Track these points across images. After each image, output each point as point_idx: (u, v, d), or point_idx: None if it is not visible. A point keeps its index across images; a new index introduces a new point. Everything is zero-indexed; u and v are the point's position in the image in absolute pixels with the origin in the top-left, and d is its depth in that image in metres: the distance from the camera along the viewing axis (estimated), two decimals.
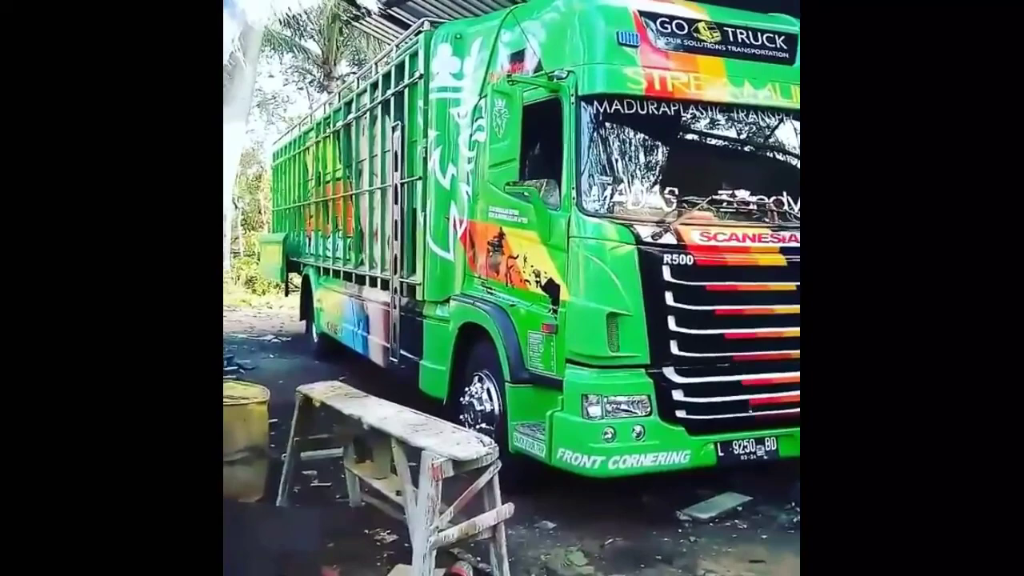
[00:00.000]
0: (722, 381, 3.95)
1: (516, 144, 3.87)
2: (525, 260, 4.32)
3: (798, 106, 3.87)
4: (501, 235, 4.60)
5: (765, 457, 4.11)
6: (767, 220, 4.14)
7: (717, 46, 4.12)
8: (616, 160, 3.99)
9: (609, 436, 3.79)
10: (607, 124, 3.97)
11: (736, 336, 3.95)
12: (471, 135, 5.06)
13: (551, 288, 4.09)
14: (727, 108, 4.12)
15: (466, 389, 4.81)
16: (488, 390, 4.63)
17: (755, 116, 4.19)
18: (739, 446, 4.05)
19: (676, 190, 3.99)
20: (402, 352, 5.99)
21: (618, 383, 3.83)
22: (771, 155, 4.40)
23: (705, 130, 4.17)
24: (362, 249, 7.29)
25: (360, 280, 7.26)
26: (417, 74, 5.53)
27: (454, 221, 5.24)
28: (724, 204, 4.07)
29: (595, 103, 3.94)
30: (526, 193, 4.12)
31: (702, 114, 4.10)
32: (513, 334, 4.36)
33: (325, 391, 4.02)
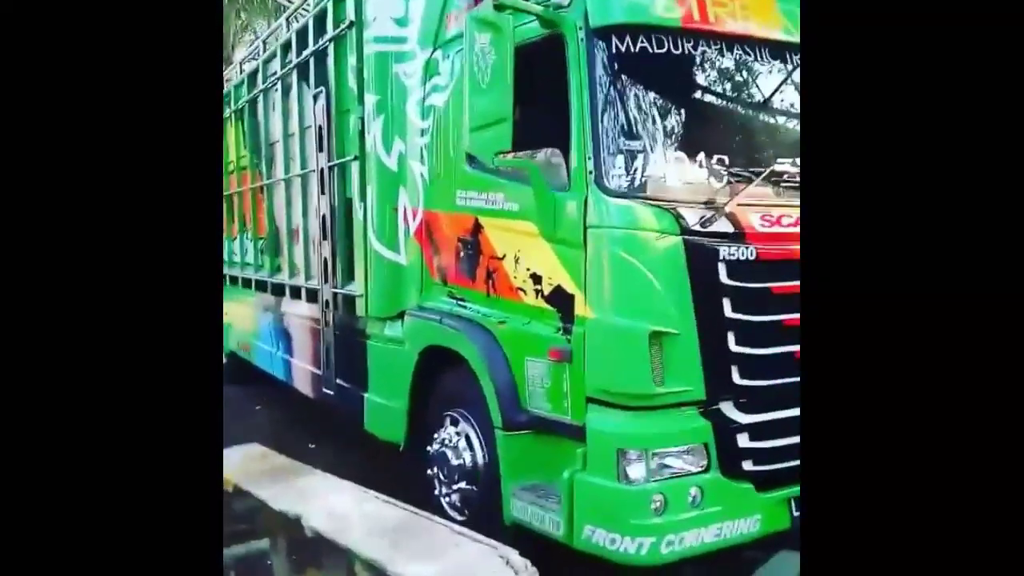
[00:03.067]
0: (793, 416, 2.91)
1: (507, 97, 2.70)
2: (517, 261, 3.16)
3: None
4: (477, 228, 3.42)
5: None
6: None
7: None
8: (646, 119, 2.88)
9: (659, 506, 2.69)
10: (631, 68, 2.85)
11: None
12: (424, 99, 3.85)
13: (560, 299, 2.95)
14: (780, 49, 3.08)
15: (434, 435, 3.61)
16: (467, 436, 3.45)
17: None
18: None
19: (725, 159, 2.92)
20: (338, 382, 4.70)
21: (668, 430, 2.74)
22: None
23: (757, 79, 3.12)
24: (278, 253, 5.92)
25: (278, 291, 5.89)
26: (346, 23, 4.24)
27: (405, 212, 4.01)
28: (784, 177, 3.03)
29: (613, 39, 2.81)
30: (523, 169, 2.95)
31: (750, 57, 3.04)
32: (503, 362, 3.20)
33: (242, 465, 2.73)
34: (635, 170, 2.81)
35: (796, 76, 3.17)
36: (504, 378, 3.17)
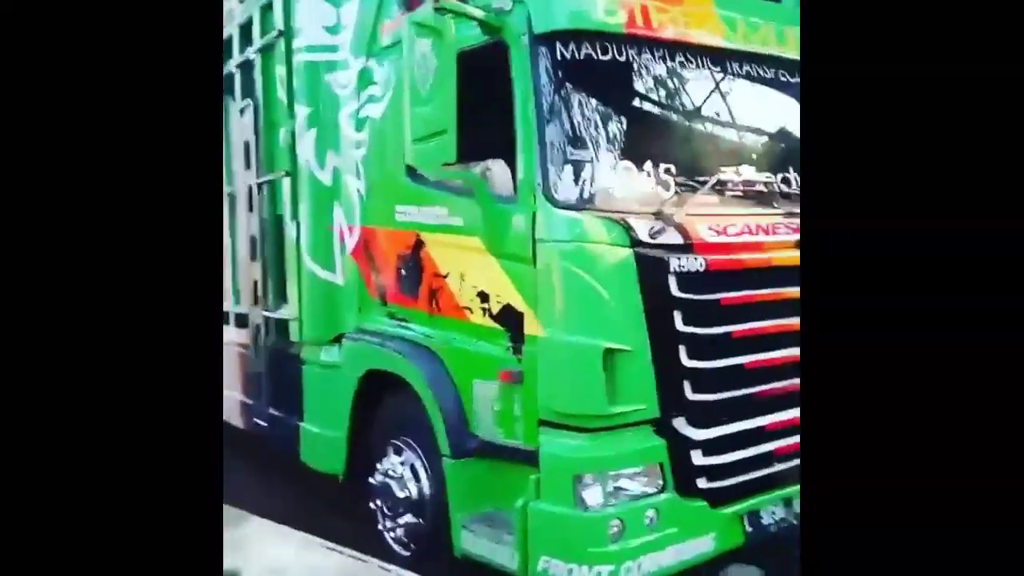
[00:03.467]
0: (746, 429, 2.85)
1: (451, 106, 2.56)
2: (462, 279, 3.01)
3: (797, 56, 2.88)
4: (419, 245, 3.25)
5: (795, 522, 3.06)
6: (776, 205, 3.11)
7: None
8: (593, 128, 2.79)
9: (616, 531, 2.56)
10: (576, 76, 2.76)
11: (757, 365, 2.87)
12: (359, 110, 3.67)
13: (509, 317, 2.81)
14: (721, 56, 3.05)
15: (377, 465, 3.40)
16: (412, 466, 3.25)
17: (750, 67, 3.15)
18: (768, 514, 2.97)
19: (672, 168, 2.86)
20: (271, 411, 4.41)
21: (623, 451, 2.62)
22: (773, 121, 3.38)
23: (699, 87, 3.07)
24: None
25: None
26: (274, 32, 4.03)
27: (340, 230, 3.80)
28: (729, 186, 2.99)
29: (557, 45, 2.72)
30: (468, 182, 2.81)
31: (692, 63, 3.00)
32: (449, 385, 3.03)
33: None
34: (583, 181, 2.70)
35: (734, 83, 3.16)
36: (451, 402, 3.00)
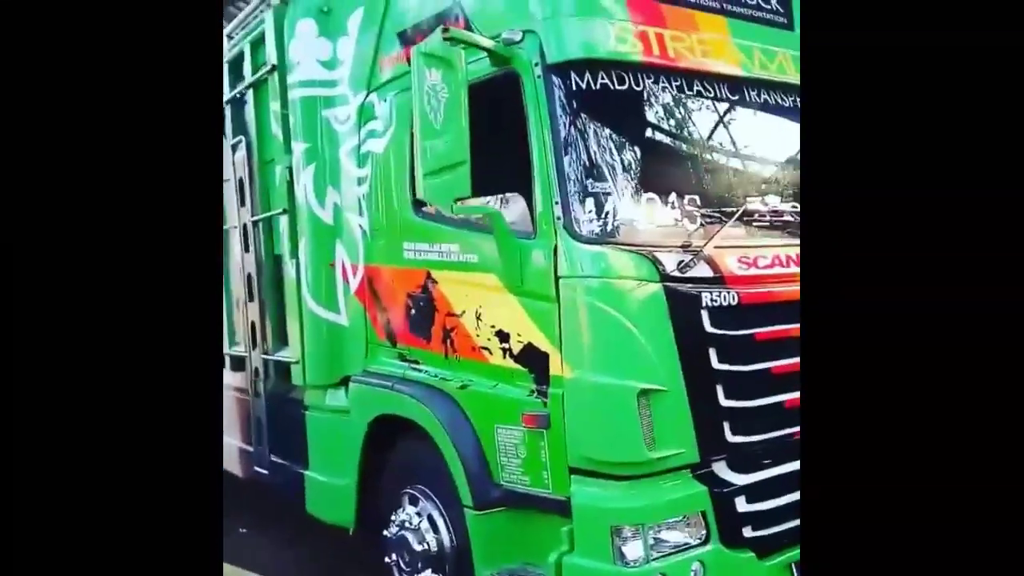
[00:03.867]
0: (789, 472, 2.70)
1: (463, 138, 2.43)
2: (479, 318, 2.86)
3: None
4: (430, 283, 3.11)
5: None
6: (794, 233, 3.01)
7: (713, 1, 2.97)
8: (613, 159, 2.67)
9: None
10: (593, 106, 2.65)
11: (796, 403, 2.73)
12: (360, 145, 3.54)
13: (532, 358, 2.66)
14: (738, 84, 2.96)
15: (391, 516, 3.22)
16: (430, 517, 3.08)
17: (768, 95, 3.07)
18: None
19: (697, 199, 2.75)
20: (273, 459, 4.22)
21: (663, 500, 2.47)
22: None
23: (717, 115, 2.97)
24: None
25: None
26: (267, 67, 3.90)
27: (343, 269, 3.65)
28: (755, 216, 2.88)
29: (572, 75, 2.61)
30: (483, 217, 2.68)
31: (709, 92, 2.90)
32: (468, 431, 2.87)
33: None
34: (606, 214, 2.58)
35: (753, 112, 3.06)
36: (471, 449, 2.84)
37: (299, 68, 3.70)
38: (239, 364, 4.62)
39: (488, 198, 2.74)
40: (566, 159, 2.57)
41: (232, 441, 4.75)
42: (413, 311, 3.22)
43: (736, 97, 2.96)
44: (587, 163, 2.61)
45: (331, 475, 3.70)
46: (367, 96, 3.50)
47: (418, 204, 3.17)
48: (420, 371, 3.19)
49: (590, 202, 2.57)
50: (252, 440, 4.40)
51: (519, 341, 2.70)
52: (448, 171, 2.48)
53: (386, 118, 3.36)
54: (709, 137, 2.96)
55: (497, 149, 2.65)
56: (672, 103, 2.83)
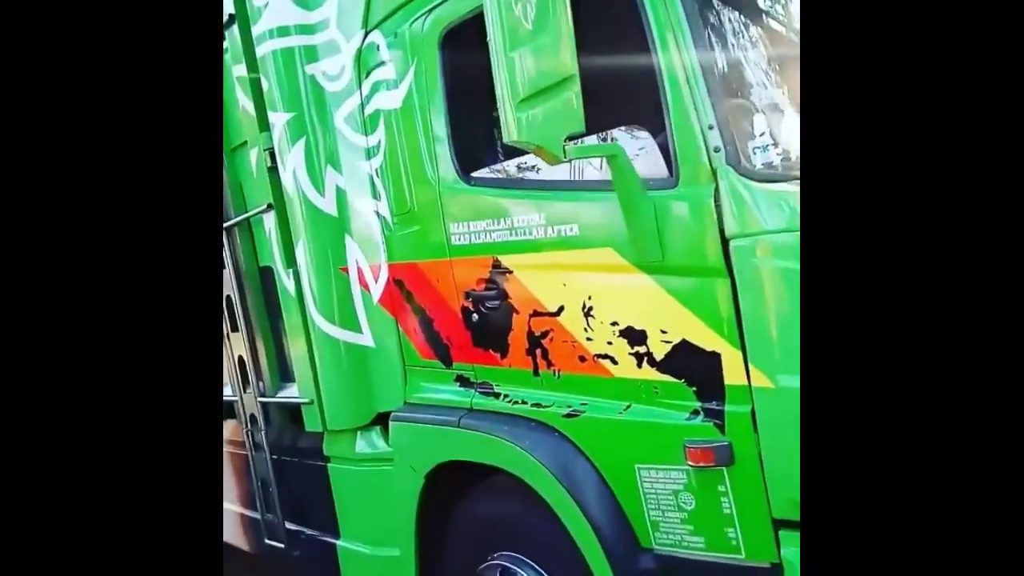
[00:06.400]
0: None
1: (568, 42, 1.57)
2: (590, 315, 1.99)
3: None
4: (497, 274, 2.23)
5: None
6: None
7: None
8: (777, 63, 1.83)
9: None
10: None
11: None
12: (363, 104, 2.64)
13: (688, 363, 1.81)
14: None
15: None
16: None
17: None
18: None
19: None
20: (290, 527, 3.28)
21: None
22: None
23: None
24: None
25: None
26: (223, 19, 2.95)
27: (360, 273, 2.75)
28: None
29: None
30: (609, 157, 1.79)
31: None
32: (592, 477, 2.01)
33: None
34: (779, 138, 1.74)
35: None
36: (601, 502, 1.98)
37: (267, 14, 2.76)
38: (226, 412, 3.67)
39: (601, 135, 1.88)
40: (717, 67, 1.72)
41: (231, 507, 3.79)
42: (475, 316, 2.34)
43: None
44: (745, 70, 1.76)
45: (375, 545, 2.81)
46: (366, 37, 2.59)
47: (467, 167, 2.30)
48: (495, 397, 2.31)
49: (760, 121, 1.72)
50: (258, 506, 3.44)
51: (664, 340, 1.84)
52: (550, 94, 1.60)
53: (400, 60, 2.46)
54: None
55: (610, 66, 1.78)
56: None
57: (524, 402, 2.21)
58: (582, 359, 2.04)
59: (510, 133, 1.61)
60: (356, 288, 2.75)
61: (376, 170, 2.64)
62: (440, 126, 2.34)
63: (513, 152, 2.04)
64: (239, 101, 2.97)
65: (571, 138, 1.65)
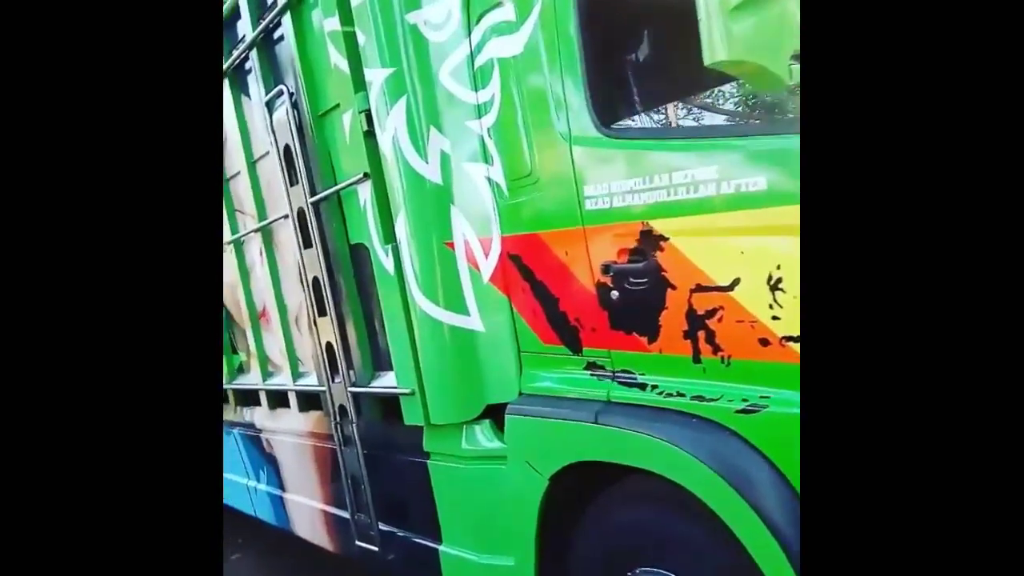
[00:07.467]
0: None
1: None
2: (776, 289, 1.63)
3: None
4: (648, 244, 1.89)
5: None
6: None
7: None
8: None
9: None
10: None
11: None
12: (473, 55, 2.33)
13: None
14: None
15: None
16: None
17: None
18: None
19: None
20: (384, 528, 3.01)
21: None
22: None
23: None
24: (237, 346, 4.22)
25: (246, 399, 4.17)
26: None
27: (467, 248, 2.44)
28: None
29: None
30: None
31: None
32: (778, 484, 1.66)
33: None
34: None
35: None
36: (789, 515, 1.62)
37: None
38: (312, 402, 3.42)
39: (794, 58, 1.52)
40: None
41: (314, 504, 3.55)
42: (615, 293, 2.00)
43: None
44: None
45: (485, 552, 2.52)
46: None
47: (606, 118, 1.96)
48: (641, 388, 1.97)
49: None
50: (347, 504, 3.19)
51: None
52: (767, 3, 1.25)
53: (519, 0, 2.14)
54: None
55: None
56: None
57: (681, 394, 1.87)
58: (764, 343, 1.68)
59: (715, 53, 1.27)
60: (463, 265, 2.45)
61: (488, 130, 2.33)
62: (574, 70, 2.00)
63: (656, 99, 1.70)
64: (330, 58, 2.68)
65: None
